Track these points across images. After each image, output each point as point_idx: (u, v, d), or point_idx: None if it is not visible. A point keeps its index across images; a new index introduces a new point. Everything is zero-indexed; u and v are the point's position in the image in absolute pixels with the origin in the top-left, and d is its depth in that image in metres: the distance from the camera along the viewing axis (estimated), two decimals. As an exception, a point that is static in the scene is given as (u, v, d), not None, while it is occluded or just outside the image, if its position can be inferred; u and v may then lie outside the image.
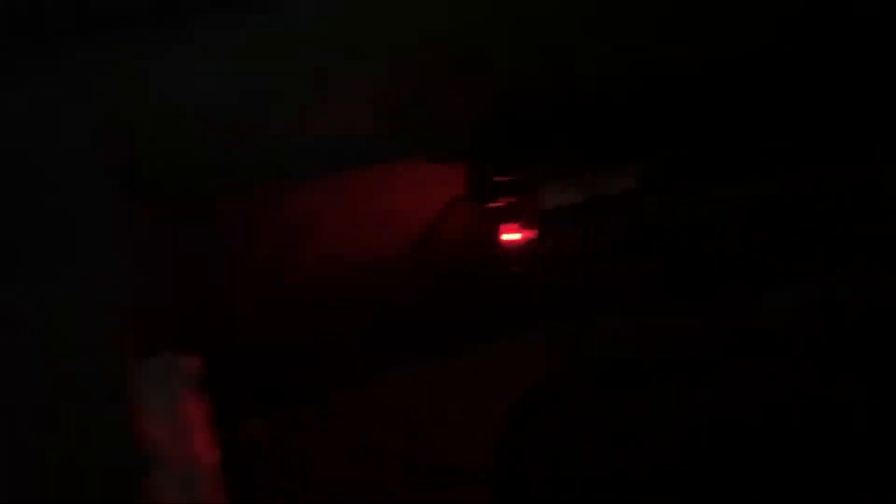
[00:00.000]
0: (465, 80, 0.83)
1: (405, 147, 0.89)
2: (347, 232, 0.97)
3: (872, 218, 1.05)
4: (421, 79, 0.82)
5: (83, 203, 0.67)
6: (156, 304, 0.82)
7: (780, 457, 1.03)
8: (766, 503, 1.03)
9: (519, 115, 0.89)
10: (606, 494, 1.04)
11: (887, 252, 1.05)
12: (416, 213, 0.97)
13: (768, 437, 1.04)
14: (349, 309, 1.03)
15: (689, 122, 0.93)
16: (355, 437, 1.09)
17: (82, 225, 0.67)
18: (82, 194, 0.67)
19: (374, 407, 1.10)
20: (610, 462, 1.05)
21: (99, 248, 0.66)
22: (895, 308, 1.06)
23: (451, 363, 1.12)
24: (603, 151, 0.92)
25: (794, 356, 1.07)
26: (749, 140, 0.97)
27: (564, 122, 0.90)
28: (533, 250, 0.96)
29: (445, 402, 1.10)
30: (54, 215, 0.66)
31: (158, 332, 0.82)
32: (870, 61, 0.89)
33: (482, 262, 1.00)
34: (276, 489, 1.04)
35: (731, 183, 1.02)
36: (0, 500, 0.62)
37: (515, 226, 0.95)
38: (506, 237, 0.97)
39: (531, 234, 0.95)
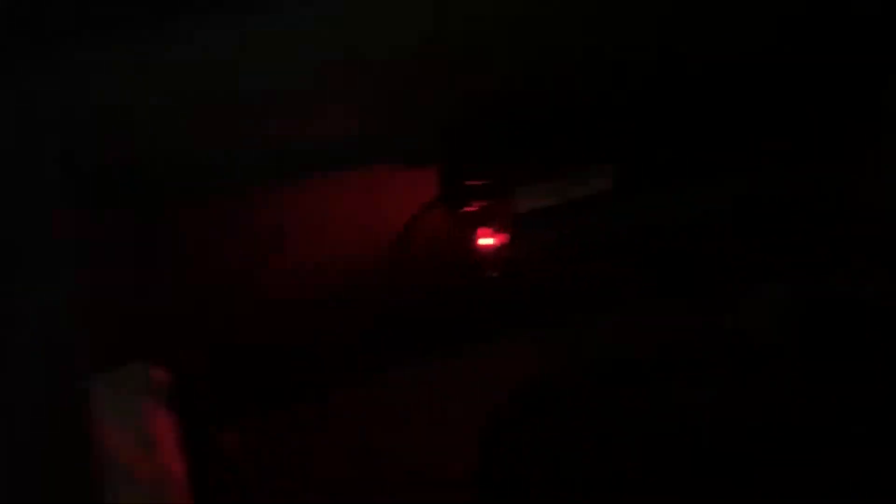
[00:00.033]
0: (439, 83, 0.83)
1: (378, 151, 0.89)
2: (320, 236, 0.96)
3: (853, 217, 1.05)
4: (395, 82, 0.81)
5: (30, 207, 0.66)
6: (122, 313, 0.80)
7: (774, 457, 1.02)
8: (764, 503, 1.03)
9: (493, 118, 0.88)
10: (601, 495, 1.03)
11: (869, 251, 1.05)
12: (390, 217, 0.96)
13: (760, 436, 1.04)
14: (325, 314, 1.02)
15: (665, 122, 0.92)
16: (342, 443, 1.08)
17: (32, 230, 0.65)
18: (30, 198, 0.66)
19: (358, 412, 1.10)
20: (602, 463, 1.04)
21: (48, 253, 0.64)
22: (880, 306, 1.06)
23: (434, 367, 1.11)
24: (577, 153, 0.92)
25: (778, 356, 1.07)
26: (727, 139, 0.97)
27: (538, 124, 0.89)
28: (507, 254, 0.95)
29: (432, 405, 1.10)
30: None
31: (125, 342, 0.81)
32: (849, 61, 0.89)
33: (457, 266, 0.99)
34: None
35: (708, 183, 1.02)
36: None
37: (490, 230, 0.95)
38: (481, 241, 0.96)
39: (505, 238, 0.94)
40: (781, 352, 1.08)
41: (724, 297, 1.12)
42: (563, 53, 0.83)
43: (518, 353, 1.12)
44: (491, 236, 0.95)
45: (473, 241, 0.95)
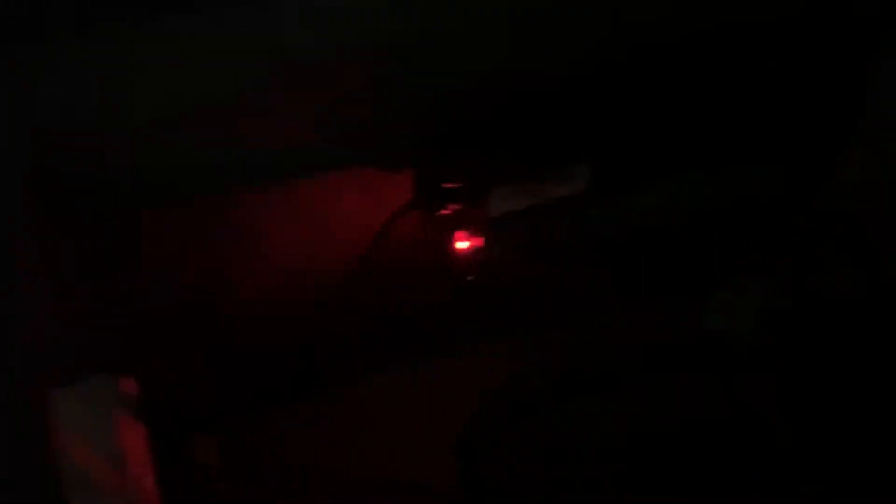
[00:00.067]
0: (412, 86, 0.82)
1: (352, 154, 0.88)
2: (294, 242, 0.95)
3: (828, 216, 1.05)
4: (368, 84, 0.80)
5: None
6: (88, 324, 0.79)
7: (756, 458, 1.02)
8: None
9: (467, 120, 0.87)
10: (578, 500, 1.02)
11: (845, 249, 1.06)
12: (364, 221, 0.95)
13: (740, 437, 1.04)
14: (297, 321, 1.01)
15: (640, 121, 0.92)
16: (318, 450, 1.07)
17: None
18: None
19: (330, 419, 1.08)
20: (578, 469, 1.04)
21: (12, 263, 0.63)
22: (855, 304, 1.07)
23: (410, 373, 1.10)
24: (550, 155, 0.91)
25: (756, 355, 1.07)
26: (703, 138, 0.97)
27: (510, 126, 0.89)
28: (482, 258, 0.94)
29: (408, 412, 1.09)
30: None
31: (92, 353, 0.79)
32: (825, 62, 0.89)
33: (433, 270, 0.98)
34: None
35: (684, 183, 1.01)
36: None
37: (465, 233, 0.94)
38: (457, 245, 0.95)
39: (480, 241, 0.94)
40: (759, 351, 1.08)
41: (701, 298, 1.12)
42: (537, 53, 0.82)
43: (495, 357, 1.11)
44: (466, 240, 0.94)
45: (449, 244, 0.95)
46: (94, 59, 0.69)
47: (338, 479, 1.06)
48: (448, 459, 1.04)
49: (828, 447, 1.01)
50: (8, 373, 0.60)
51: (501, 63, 0.82)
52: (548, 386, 1.09)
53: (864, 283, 1.04)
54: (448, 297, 1.03)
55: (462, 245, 0.95)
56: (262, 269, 0.94)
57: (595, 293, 1.08)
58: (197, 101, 0.74)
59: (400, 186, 0.93)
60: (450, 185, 0.91)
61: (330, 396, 1.09)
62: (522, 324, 1.11)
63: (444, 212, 0.92)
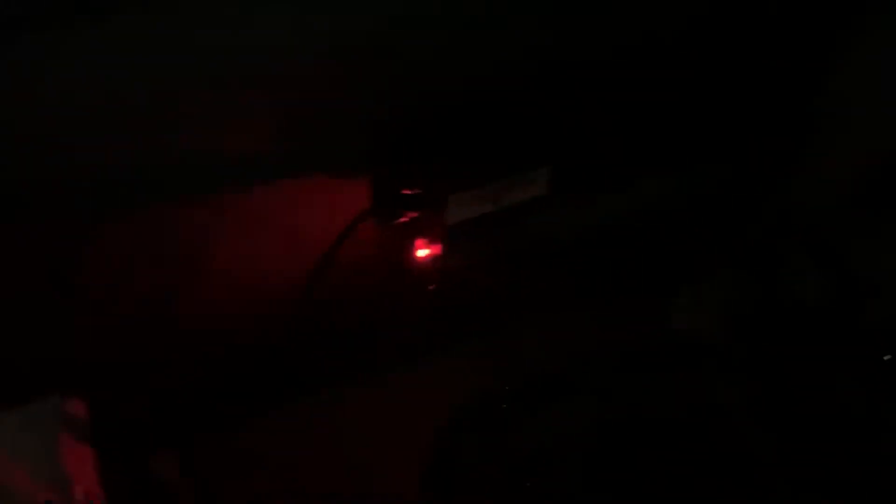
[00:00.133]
0: (369, 89, 0.80)
1: (307, 161, 0.86)
2: (247, 253, 0.93)
3: (791, 217, 1.05)
4: (323, 89, 0.78)
5: None
6: (31, 344, 0.76)
7: (727, 459, 1.02)
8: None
9: (423, 125, 0.86)
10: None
11: (808, 250, 1.06)
12: (320, 230, 0.93)
13: (710, 438, 1.04)
14: (254, 333, 0.99)
15: (595, 125, 0.91)
16: (282, 462, 1.05)
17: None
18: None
19: (294, 432, 1.07)
20: (551, 474, 1.03)
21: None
22: (819, 305, 1.07)
23: (372, 384, 1.09)
24: (508, 159, 0.90)
25: (714, 356, 1.07)
26: (665, 139, 0.96)
27: (468, 131, 0.87)
28: (441, 265, 0.93)
29: (374, 423, 1.07)
30: None
31: (37, 374, 0.77)
32: (784, 61, 0.89)
33: (391, 279, 0.97)
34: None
35: (647, 184, 1.01)
36: None
37: (424, 241, 0.92)
38: (417, 253, 0.94)
39: (438, 249, 0.92)
40: (727, 349, 1.08)
41: (667, 298, 1.12)
42: (495, 55, 0.81)
43: (461, 365, 1.10)
44: (425, 247, 0.93)
45: (407, 252, 0.93)
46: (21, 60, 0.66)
47: (304, 494, 1.04)
48: (416, 471, 1.03)
49: (796, 447, 1.02)
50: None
51: (459, 66, 0.81)
52: (516, 392, 1.08)
53: (827, 282, 1.04)
54: (409, 306, 1.02)
55: (422, 253, 0.94)
56: (215, 281, 0.92)
57: (559, 297, 1.08)
58: (141, 104, 0.72)
59: (356, 194, 0.91)
60: (408, 192, 0.90)
61: (289, 411, 1.07)
62: (487, 331, 1.10)
63: (402, 220, 0.91)
